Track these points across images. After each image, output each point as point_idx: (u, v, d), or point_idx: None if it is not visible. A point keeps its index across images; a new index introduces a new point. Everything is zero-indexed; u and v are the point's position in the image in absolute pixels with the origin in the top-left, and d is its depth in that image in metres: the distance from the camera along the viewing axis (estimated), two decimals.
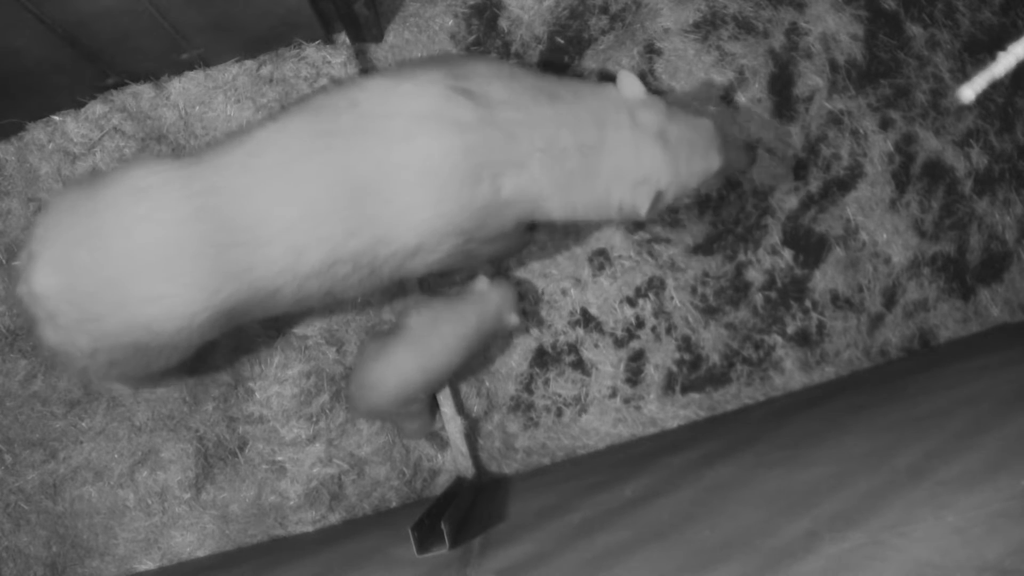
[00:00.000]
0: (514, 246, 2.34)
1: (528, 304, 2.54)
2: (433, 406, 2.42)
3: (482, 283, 2.29)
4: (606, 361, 2.54)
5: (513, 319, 2.30)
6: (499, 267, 2.52)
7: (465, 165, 1.78)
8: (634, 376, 2.55)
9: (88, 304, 1.74)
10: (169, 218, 1.72)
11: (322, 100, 1.84)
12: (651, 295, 2.56)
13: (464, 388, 2.51)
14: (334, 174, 1.76)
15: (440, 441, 2.48)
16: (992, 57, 2.67)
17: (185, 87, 2.41)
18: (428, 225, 1.82)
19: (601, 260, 2.56)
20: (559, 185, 1.90)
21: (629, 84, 2.00)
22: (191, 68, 2.40)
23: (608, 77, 2.60)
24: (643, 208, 1.97)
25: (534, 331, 2.54)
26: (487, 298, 2.26)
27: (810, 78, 2.61)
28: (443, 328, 2.22)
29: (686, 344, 2.56)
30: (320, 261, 1.79)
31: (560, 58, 2.56)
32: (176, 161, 1.80)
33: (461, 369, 2.37)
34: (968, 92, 1.95)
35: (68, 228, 1.74)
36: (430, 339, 2.21)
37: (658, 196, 1.99)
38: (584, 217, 2.04)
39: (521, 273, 2.54)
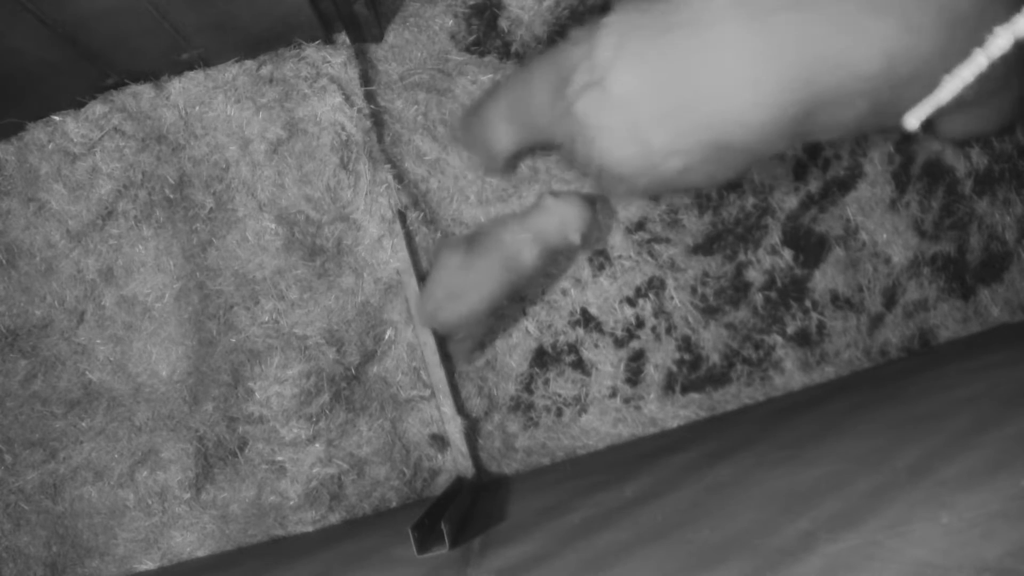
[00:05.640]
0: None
1: (528, 303, 2.54)
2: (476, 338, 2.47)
3: (548, 198, 2.28)
4: (606, 361, 2.54)
5: (575, 237, 2.27)
6: None
7: None
8: (634, 376, 2.55)
9: (667, 98, 1.78)
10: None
11: None
12: (651, 295, 2.56)
13: (464, 388, 2.51)
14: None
15: (440, 441, 2.48)
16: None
17: (185, 87, 2.41)
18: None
19: (601, 260, 2.56)
20: None
21: None
22: (191, 68, 2.40)
23: None
24: None
25: (534, 331, 2.54)
26: (551, 210, 2.26)
27: None
28: (503, 235, 2.23)
29: (686, 344, 2.56)
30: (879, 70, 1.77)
31: None
32: None
33: (513, 295, 2.41)
34: (913, 120, 1.97)
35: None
36: (487, 239, 2.24)
37: None
38: None
39: None
